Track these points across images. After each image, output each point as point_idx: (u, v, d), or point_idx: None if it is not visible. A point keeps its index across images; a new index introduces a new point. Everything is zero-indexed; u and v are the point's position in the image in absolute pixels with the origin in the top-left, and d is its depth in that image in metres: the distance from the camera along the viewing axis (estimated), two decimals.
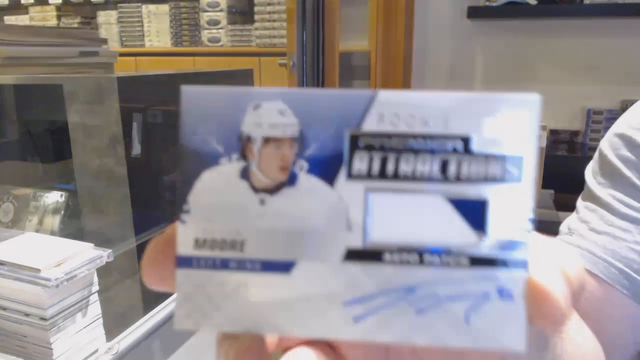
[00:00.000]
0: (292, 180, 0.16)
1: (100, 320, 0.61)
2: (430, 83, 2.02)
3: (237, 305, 0.16)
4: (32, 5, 2.88)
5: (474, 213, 0.15)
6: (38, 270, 0.53)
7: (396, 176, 0.15)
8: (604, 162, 0.47)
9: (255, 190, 0.16)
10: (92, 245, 0.60)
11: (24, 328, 0.55)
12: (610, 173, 0.46)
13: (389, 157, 0.15)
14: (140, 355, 0.66)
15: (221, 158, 0.16)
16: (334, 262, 0.16)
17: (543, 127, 1.12)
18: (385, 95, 0.15)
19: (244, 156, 0.16)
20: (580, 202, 0.48)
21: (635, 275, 0.42)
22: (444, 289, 0.15)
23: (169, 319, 0.71)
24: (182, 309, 0.16)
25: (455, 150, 0.15)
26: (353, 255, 0.15)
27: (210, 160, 0.16)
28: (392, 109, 0.15)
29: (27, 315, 0.54)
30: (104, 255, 0.59)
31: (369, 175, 0.15)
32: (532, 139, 0.15)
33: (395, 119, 0.15)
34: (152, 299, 0.76)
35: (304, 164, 0.16)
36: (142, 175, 0.88)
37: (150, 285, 0.16)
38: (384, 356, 0.21)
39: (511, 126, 0.15)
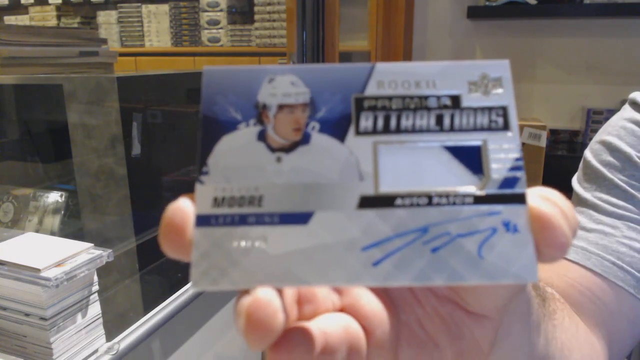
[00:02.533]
0: (305, 139, 0.17)
1: (100, 320, 0.61)
2: None
3: (256, 259, 0.16)
4: (32, 5, 2.88)
5: (470, 158, 0.17)
6: (38, 270, 0.53)
7: (398, 130, 0.17)
8: (588, 168, 0.50)
9: (272, 149, 0.17)
10: (92, 245, 0.60)
11: (24, 328, 0.55)
12: (594, 178, 0.48)
13: (391, 114, 0.17)
14: (140, 355, 0.66)
15: (239, 124, 0.17)
16: (349, 210, 0.16)
17: (543, 127, 1.12)
18: (382, 66, 0.18)
19: (260, 122, 0.17)
20: None
21: (627, 267, 0.43)
22: (454, 227, 0.16)
23: (169, 319, 0.71)
24: (199, 268, 0.16)
25: (447, 107, 0.17)
26: (367, 202, 0.16)
27: (229, 126, 0.17)
28: (389, 77, 0.17)
29: (27, 315, 0.54)
30: (104, 255, 0.59)
31: (374, 131, 0.17)
32: (509, 92, 0.17)
33: (393, 84, 0.17)
34: (152, 299, 0.76)
35: (316, 125, 0.17)
36: (142, 175, 0.89)
37: (169, 253, 0.16)
38: (395, 325, 0.21)
39: (491, 85, 0.17)
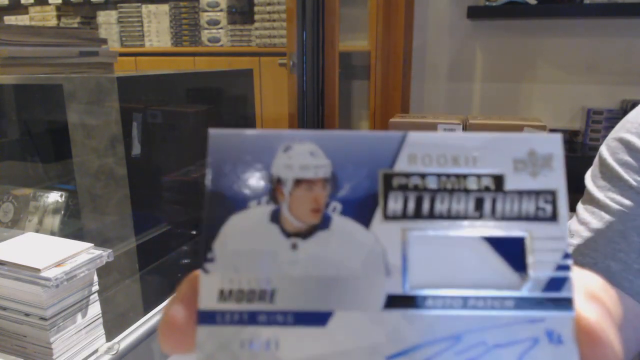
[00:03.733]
0: (325, 222, 0.15)
1: (100, 320, 0.61)
2: (430, 83, 2.02)
3: None
4: (32, 5, 2.88)
5: (513, 252, 0.15)
6: (38, 270, 0.53)
7: (432, 215, 0.15)
8: (603, 165, 0.48)
9: (287, 234, 0.15)
10: (92, 245, 0.60)
11: (24, 328, 0.55)
12: (609, 176, 0.47)
13: (424, 196, 0.15)
14: (140, 355, 0.66)
15: (250, 201, 0.15)
16: (373, 311, 0.14)
17: (543, 127, 1.12)
18: (415, 136, 0.15)
19: (274, 199, 0.15)
20: (580, 206, 0.49)
21: (635, 273, 0.42)
22: (491, 336, 0.14)
23: None
24: None
25: (488, 189, 0.15)
26: (394, 302, 0.14)
27: (238, 203, 0.15)
28: (423, 150, 0.15)
29: (27, 315, 0.54)
30: (104, 255, 0.59)
31: (404, 216, 0.15)
32: (560, 174, 0.15)
33: (427, 159, 0.15)
34: (152, 299, 0.76)
35: (338, 206, 0.15)
36: (142, 175, 0.88)
37: (169, 352, 0.15)
38: None
39: (539, 164, 0.15)
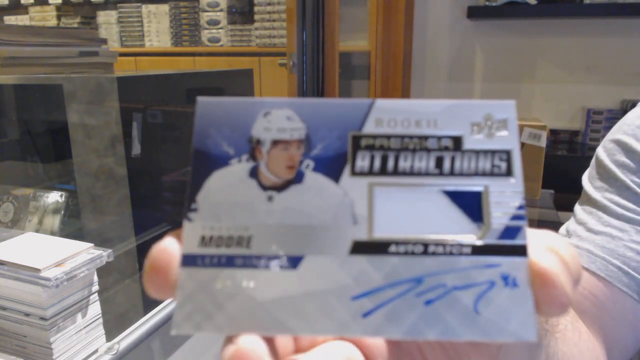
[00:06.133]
0: (299, 177, 0.16)
1: (100, 320, 0.61)
2: (430, 83, 2.02)
3: (242, 304, 0.15)
4: (32, 5, 2.88)
5: (470, 205, 0.16)
6: (38, 270, 0.53)
7: (396, 172, 0.16)
8: (600, 167, 0.48)
9: (264, 187, 0.16)
10: (92, 245, 0.60)
11: (24, 328, 0.55)
12: (606, 177, 0.47)
13: (389, 155, 0.17)
14: (140, 355, 0.66)
15: (231, 159, 0.17)
16: (340, 256, 0.16)
17: (543, 127, 1.12)
18: (382, 103, 0.17)
19: (253, 157, 0.17)
20: (577, 207, 0.49)
21: (633, 272, 0.43)
22: (450, 278, 0.15)
23: (169, 319, 0.71)
24: (182, 310, 0.15)
25: (447, 148, 0.17)
26: (359, 247, 0.16)
27: (220, 161, 0.17)
28: (389, 114, 0.17)
29: (27, 315, 0.54)
30: (104, 255, 0.59)
31: (371, 172, 0.16)
32: (514, 135, 0.17)
33: (392, 122, 0.17)
34: (152, 299, 0.76)
35: (310, 163, 0.17)
36: (142, 175, 0.89)
37: (152, 293, 0.16)
38: (396, 352, 0.21)
39: (495, 127, 0.17)
